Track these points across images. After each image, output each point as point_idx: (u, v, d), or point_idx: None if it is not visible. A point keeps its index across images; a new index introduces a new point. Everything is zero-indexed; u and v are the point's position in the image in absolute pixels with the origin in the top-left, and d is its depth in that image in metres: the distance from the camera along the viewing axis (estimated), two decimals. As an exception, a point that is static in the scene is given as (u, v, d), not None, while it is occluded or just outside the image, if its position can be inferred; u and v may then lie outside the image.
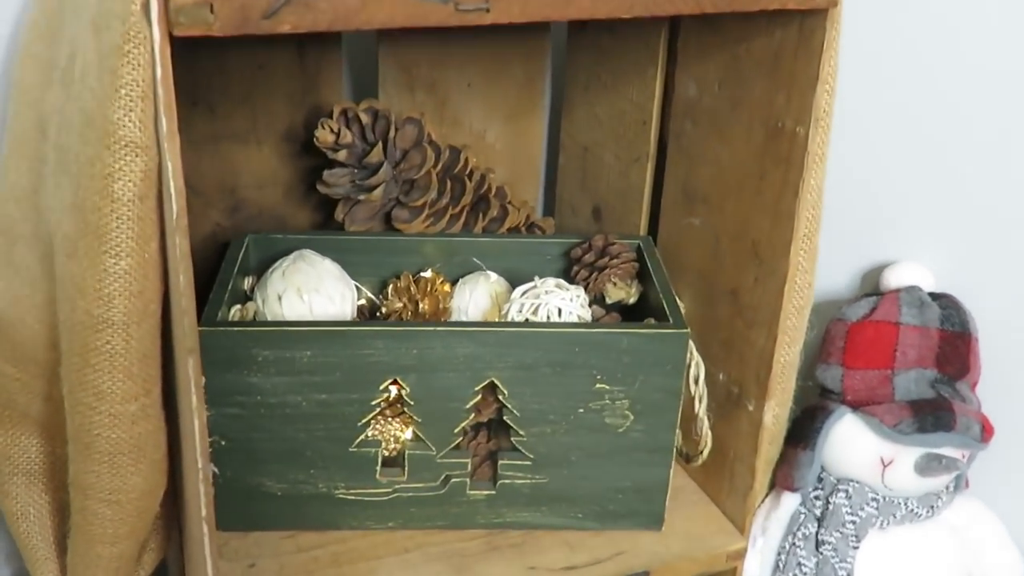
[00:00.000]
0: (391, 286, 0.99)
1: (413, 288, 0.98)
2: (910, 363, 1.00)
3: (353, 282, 0.97)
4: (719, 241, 0.95)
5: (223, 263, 0.95)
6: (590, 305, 0.97)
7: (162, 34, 0.60)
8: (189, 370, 0.70)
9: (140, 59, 0.61)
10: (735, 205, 0.91)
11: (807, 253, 0.88)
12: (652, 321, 0.92)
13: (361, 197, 0.99)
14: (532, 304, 0.90)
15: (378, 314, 0.98)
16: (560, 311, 0.90)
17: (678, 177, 0.99)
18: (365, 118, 0.98)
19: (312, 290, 0.91)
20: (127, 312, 0.69)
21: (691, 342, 0.90)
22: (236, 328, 0.85)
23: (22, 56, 0.84)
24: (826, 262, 1.06)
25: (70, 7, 0.76)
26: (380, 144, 0.98)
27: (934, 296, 1.03)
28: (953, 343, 1.01)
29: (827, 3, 0.76)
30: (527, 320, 0.90)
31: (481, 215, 1.05)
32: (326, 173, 0.99)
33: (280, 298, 0.91)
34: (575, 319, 0.91)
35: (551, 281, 0.92)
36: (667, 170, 1.01)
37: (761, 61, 0.84)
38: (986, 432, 0.97)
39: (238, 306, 0.91)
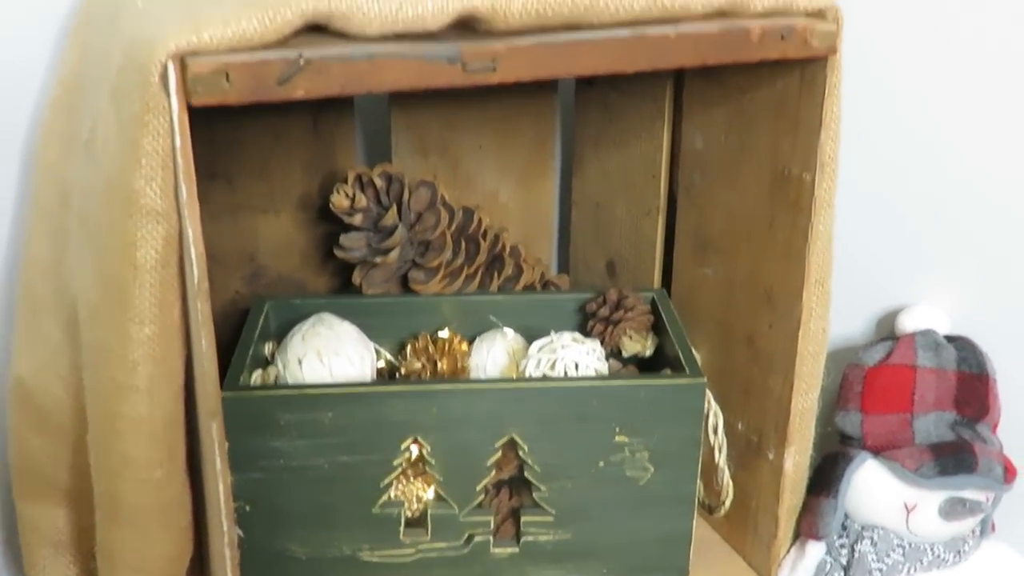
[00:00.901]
0: (409, 346, 1.00)
1: (431, 348, 0.99)
2: (929, 406, 1.00)
3: (372, 343, 0.98)
4: (732, 289, 0.96)
5: (243, 329, 0.96)
6: (607, 359, 0.97)
7: (180, 104, 0.62)
8: (213, 434, 0.71)
9: (160, 129, 0.63)
10: (746, 252, 0.92)
11: (820, 298, 0.89)
12: (669, 372, 0.93)
13: (377, 260, 1.01)
14: (549, 359, 0.91)
15: (397, 375, 0.99)
16: (577, 365, 0.91)
17: (689, 228, 1.00)
18: (379, 182, 1.00)
19: (332, 353, 0.92)
20: (151, 378, 0.70)
21: (708, 392, 0.91)
22: (258, 392, 0.86)
23: (44, 133, 0.87)
24: (841, 307, 1.06)
25: (90, 80, 0.78)
26: (395, 207, 0.99)
27: (950, 338, 1.04)
28: (971, 384, 1.01)
29: (827, 51, 0.78)
30: (545, 375, 0.91)
31: (496, 274, 1.06)
32: (343, 237, 1.01)
33: (300, 362, 0.92)
34: (592, 372, 0.92)
35: (567, 335, 0.93)
36: (678, 221, 1.02)
37: (765, 109, 0.86)
38: (1009, 473, 0.97)
39: (259, 371, 0.92)
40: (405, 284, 1.04)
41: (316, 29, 0.67)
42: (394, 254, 1.00)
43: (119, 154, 0.65)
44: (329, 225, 1.07)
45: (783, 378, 0.91)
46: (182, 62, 0.61)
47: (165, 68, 0.61)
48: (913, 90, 1.01)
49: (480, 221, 1.06)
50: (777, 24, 0.76)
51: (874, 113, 1.02)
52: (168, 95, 0.62)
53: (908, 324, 1.05)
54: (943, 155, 1.03)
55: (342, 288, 1.11)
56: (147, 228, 0.66)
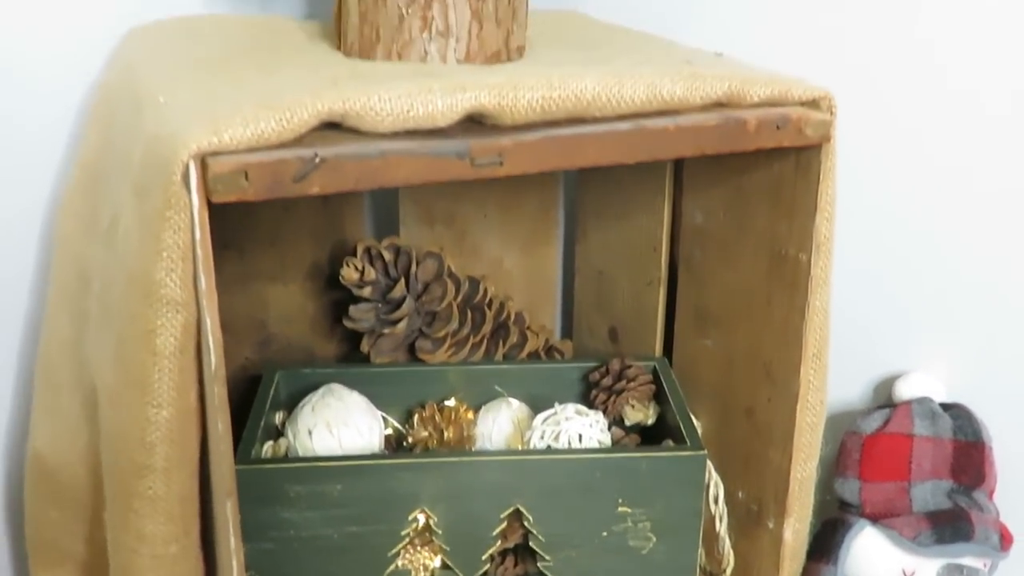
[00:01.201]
0: (417, 415, 1.02)
1: (438, 417, 1.01)
2: (926, 474, 1.02)
3: (380, 412, 1.01)
4: (732, 361, 0.98)
5: (255, 400, 0.98)
6: (610, 427, 0.99)
7: (201, 201, 0.65)
8: (228, 512, 0.73)
9: (180, 224, 0.65)
10: (746, 327, 0.95)
11: (817, 371, 0.91)
12: (670, 443, 0.95)
13: (386, 331, 1.03)
14: (553, 431, 0.93)
15: (405, 443, 1.01)
16: (581, 437, 0.93)
17: (689, 300, 1.03)
18: (387, 255, 1.03)
19: (341, 424, 0.94)
20: (168, 458, 0.72)
21: (709, 462, 0.93)
22: (270, 465, 0.88)
23: (63, 210, 0.90)
24: (840, 373, 1.09)
25: (111, 167, 0.81)
26: (403, 280, 1.02)
27: (946, 406, 1.06)
28: (967, 453, 1.03)
29: (820, 139, 0.80)
30: (549, 447, 0.93)
31: (501, 342, 1.09)
32: (352, 308, 1.03)
33: (311, 433, 0.94)
34: (595, 444, 0.94)
35: (571, 407, 0.95)
36: (679, 293, 1.04)
37: (762, 191, 0.89)
38: (1005, 540, 0.99)
39: (271, 442, 0.94)
40: (412, 352, 1.07)
41: (330, 125, 0.69)
42: (402, 325, 1.03)
43: (141, 246, 0.68)
44: (338, 293, 1.10)
45: (782, 449, 0.93)
46: (203, 162, 0.64)
47: (187, 167, 0.64)
48: (907, 169, 1.05)
49: (485, 291, 1.09)
50: (772, 114, 0.79)
51: (871, 189, 1.05)
52: (189, 193, 0.64)
53: (905, 392, 1.07)
54: (937, 229, 1.06)
55: (351, 354, 1.13)
56: (167, 317, 0.68)
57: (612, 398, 1.00)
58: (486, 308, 1.08)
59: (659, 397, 1.02)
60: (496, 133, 0.71)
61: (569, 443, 0.93)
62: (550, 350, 1.15)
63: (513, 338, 1.09)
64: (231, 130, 0.65)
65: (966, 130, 1.02)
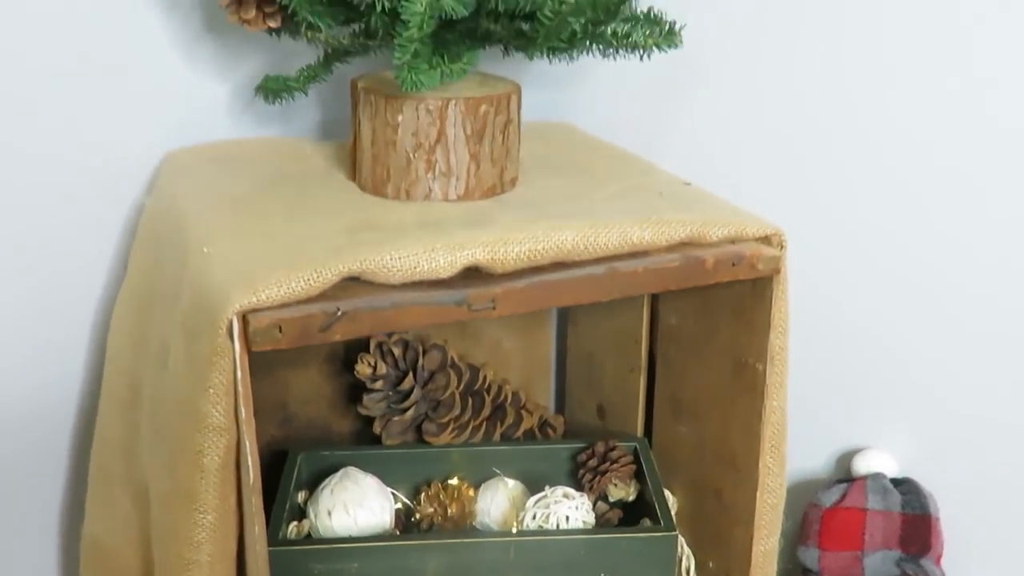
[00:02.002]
0: (423, 493, 1.15)
1: (442, 495, 1.14)
2: (877, 545, 1.15)
3: (390, 490, 1.13)
4: (703, 447, 1.10)
5: (280, 480, 1.11)
6: (595, 502, 1.12)
7: (242, 350, 0.78)
8: (262, 596, 0.85)
9: (225, 367, 0.78)
10: (714, 419, 1.07)
11: (775, 460, 1.04)
12: (647, 521, 1.07)
13: (396, 417, 1.16)
14: (544, 513, 1.06)
15: (413, 518, 1.14)
16: (568, 518, 1.06)
17: (666, 389, 1.16)
18: (397, 350, 1.16)
19: (357, 505, 1.07)
20: (211, 554, 0.85)
21: (681, 538, 1.06)
22: (297, 547, 1.01)
23: (115, 327, 1.03)
24: (805, 447, 1.23)
25: (159, 297, 0.94)
26: (411, 373, 1.15)
27: (897, 482, 1.19)
28: (914, 525, 1.16)
29: (771, 272, 0.93)
30: (540, 527, 1.06)
31: (499, 423, 1.22)
32: (365, 398, 1.16)
33: (330, 513, 1.07)
34: (580, 524, 1.07)
35: (559, 491, 1.08)
36: (656, 383, 1.17)
37: (725, 307, 1.01)
38: (949, 603, 1.12)
39: (295, 523, 1.07)
40: (419, 432, 1.19)
41: (350, 278, 0.82)
42: (410, 412, 1.16)
43: (190, 382, 0.81)
44: (352, 376, 1.22)
45: (745, 528, 1.06)
46: (244, 318, 0.77)
47: (231, 323, 0.77)
48: (862, 278, 1.18)
49: (484, 377, 1.21)
50: (728, 252, 0.91)
51: (832, 296, 1.19)
52: (233, 343, 0.77)
53: (861, 467, 1.20)
54: (888, 332, 1.19)
55: (363, 430, 1.26)
56: (212, 440, 0.81)
57: (597, 478, 1.13)
58: (485, 393, 1.21)
59: (640, 475, 1.15)
60: (489, 282, 0.84)
61: (557, 524, 1.06)
62: (544, 426, 1.27)
63: (510, 419, 1.22)
64: (267, 290, 0.78)
65: (912, 234, 1.15)
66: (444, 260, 0.82)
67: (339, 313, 0.79)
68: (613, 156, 1.14)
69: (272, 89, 1.07)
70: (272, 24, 0.94)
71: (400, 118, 0.96)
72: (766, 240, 0.94)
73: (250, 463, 0.82)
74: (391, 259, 0.82)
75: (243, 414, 0.81)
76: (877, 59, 1.15)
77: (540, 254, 0.85)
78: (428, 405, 1.18)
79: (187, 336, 0.83)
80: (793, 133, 1.19)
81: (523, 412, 1.25)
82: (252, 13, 0.93)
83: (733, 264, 0.91)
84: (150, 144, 1.14)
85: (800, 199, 1.20)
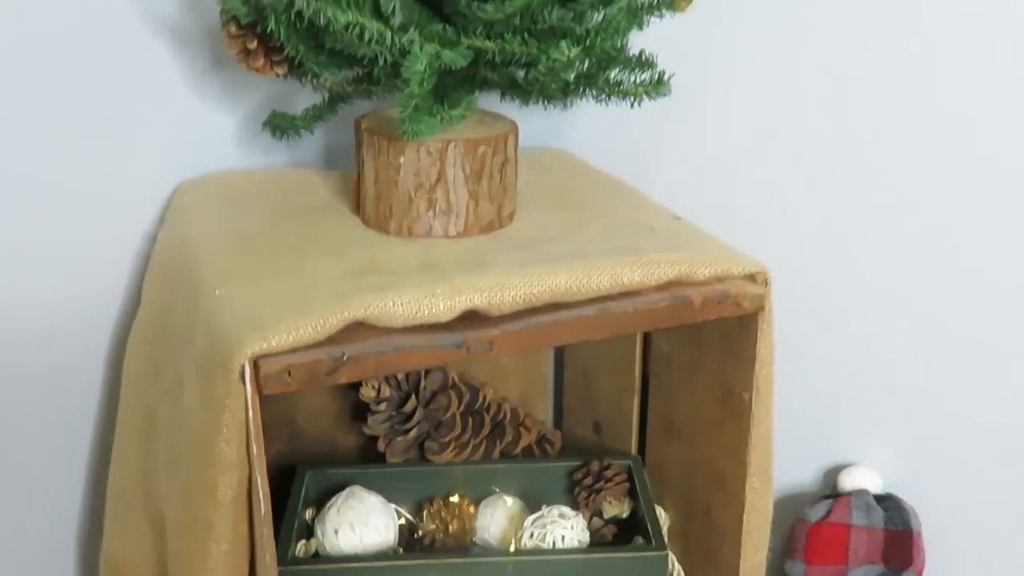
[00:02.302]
0: (425, 511, 1.20)
1: (444, 512, 1.19)
2: (861, 559, 1.20)
3: (393, 507, 1.18)
4: (693, 468, 1.15)
5: (289, 499, 1.16)
6: (591, 518, 1.17)
7: (253, 393, 0.82)
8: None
9: (237, 408, 0.83)
10: (703, 442, 1.12)
11: (762, 481, 1.09)
12: (639, 539, 1.12)
13: (399, 437, 1.21)
14: (540, 532, 1.11)
15: (416, 535, 1.19)
16: (564, 537, 1.11)
17: (659, 411, 1.20)
18: (400, 373, 1.20)
19: (362, 524, 1.12)
20: (225, 580, 0.90)
21: (671, 555, 1.11)
22: (305, 567, 1.06)
23: (130, 354, 1.08)
24: (794, 462, 1.28)
25: (172, 330, 0.99)
26: (414, 395, 1.20)
27: (880, 498, 1.24)
28: (897, 540, 1.21)
29: (756, 309, 0.98)
30: (537, 546, 1.11)
31: (498, 440, 1.27)
32: (370, 419, 1.21)
33: (336, 532, 1.12)
34: (576, 543, 1.12)
35: (555, 510, 1.13)
36: (649, 404, 1.22)
37: (713, 339, 1.06)
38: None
39: (303, 541, 1.12)
40: (422, 449, 1.24)
41: (355, 322, 0.87)
42: (413, 432, 1.21)
43: (204, 420, 0.86)
44: (356, 394, 1.27)
45: (733, 545, 1.10)
46: (255, 364, 0.82)
47: (243, 368, 0.82)
48: (846, 305, 1.23)
49: (484, 397, 1.26)
50: (715, 292, 0.96)
51: (828, 316, 1.23)
52: (245, 386, 0.82)
53: (846, 483, 1.25)
54: (877, 353, 1.24)
55: (367, 445, 1.31)
56: (225, 475, 0.86)
57: (592, 496, 1.18)
58: (484, 412, 1.26)
59: (633, 492, 1.20)
60: (487, 324, 0.89)
61: (553, 543, 1.11)
62: (541, 441, 1.32)
63: (508, 436, 1.27)
64: (277, 336, 0.82)
65: (896, 258, 1.20)
66: (444, 305, 0.87)
67: (345, 358, 0.84)
68: (607, 187, 1.18)
69: (279, 126, 1.11)
70: (280, 71, 0.99)
71: (402, 159, 1.00)
72: (751, 278, 0.98)
73: (261, 496, 0.86)
74: (393, 305, 0.86)
75: (255, 451, 0.85)
76: (870, 91, 1.19)
77: (535, 297, 0.90)
78: (430, 424, 1.23)
79: (201, 377, 0.87)
80: (783, 158, 1.23)
81: (521, 429, 1.30)
82: (260, 62, 0.97)
83: (719, 303, 0.96)
84: (162, 174, 1.19)
85: (789, 222, 1.25)
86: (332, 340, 0.85)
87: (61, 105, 1.12)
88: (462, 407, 1.24)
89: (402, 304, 0.86)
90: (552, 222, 1.06)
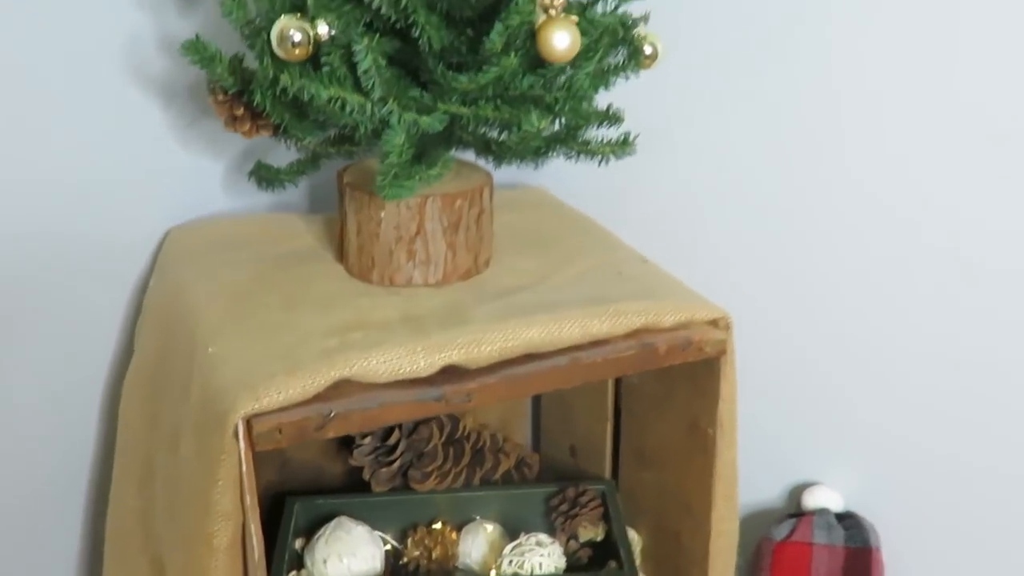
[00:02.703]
0: (410, 538, 1.26)
1: (427, 539, 1.25)
2: (823, 576, 1.27)
3: (379, 535, 1.24)
4: (663, 494, 1.22)
5: (279, 530, 1.22)
6: (567, 542, 1.23)
7: (247, 450, 0.88)
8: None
9: (231, 463, 0.89)
10: (672, 471, 1.19)
11: (728, 508, 1.15)
12: (612, 565, 1.19)
13: (383, 469, 1.27)
14: (519, 560, 1.17)
15: (401, 561, 1.25)
16: (540, 564, 1.17)
17: (630, 440, 1.27)
18: (384, 407, 1.26)
19: (350, 554, 1.18)
20: (222, 618, 0.96)
21: (644, 578, 1.17)
22: (295, 599, 1.12)
23: (127, 400, 1.13)
24: (762, 481, 1.35)
25: (168, 379, 1.05)
26: (397, 428, 1.25)
27: (841, 516, 1.30)
28: (857, 557, 1.28)
29: (718, 353, 1.04)
30: (516, 573, 1.17)
31: (479, 467, 1.32)
32: (355, 451, 1.27)
33: (325, 562, 1.18)
34: (552, 569, 1.18)
35: (533, 539, 1.19)
36: (622, 433, 1.28)
37: (681, 377, 1.12)
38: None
39: (294, 572, 1.18)
40: (405, 478, 1.30)
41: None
42: (397, 463, 1.27)
43: (200, 474, 0.91)
44: (343, 424, 1.33)
45: (700, 568, 1.17)
46: (248, 423, 0.88)
47: (236, 427, 0.87)
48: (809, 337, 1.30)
49: (464, 427, 1.32)
50: (679, 339, 1.02)
51: (795, 343, 1.30)
52: (238, 443, 0.88)
53: (809, 502, 1.32)
54: (836, 381, 1.30)
55: (354, 471, 1.36)
56: (220, 524, 0.92)
57: (568, 521, 1.24)
58: (465, 441, 1.31)
59: (607, 516, 1.26)
60: (465, 377, 0.95)
61: (531, 570, 1.17)
62: (520, 465, 1.38)
63: (488, 463, 1.33)
64: (268, 396, 0.88)
65: (854, 289, 1.27)
66: (425, 362, 0.93)
67: (332, 415, 0.89)
68: (578, 227, 1.24)
69: (264, 177, 1.16)
70: (265, 134, 1.04)
71: (383, 214, 1.06)
72: (714, 323, 1.05)
73: (255, 543, 0.92)
74: (377, 362, 0.92)
75: (248, 502, 0.91)
76: (831, 137, 1.25)
77: (510, 350, 0.96)
78: (413, 455, 1.29)
79: (197, 432, 0.93)
80: (747, 197, 1.29)
81: (500, 455, 1.36)
82: (247, 126, 1.02)
83: (683, 349, 1.02)
84: (153, 220, 1.24)
85: (755, 255, 1.31)
86: (320, 398, 0.91)
87: (54, 152, 1.16)
88: (443, 437, 1.29)
89: (385, 362, 0.92)
90: (525, 268, 1.12)
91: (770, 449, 1.36)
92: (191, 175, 1.26)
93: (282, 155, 1.17)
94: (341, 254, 1.13)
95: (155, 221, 1.25)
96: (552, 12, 0.92)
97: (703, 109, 1.29)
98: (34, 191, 1.17)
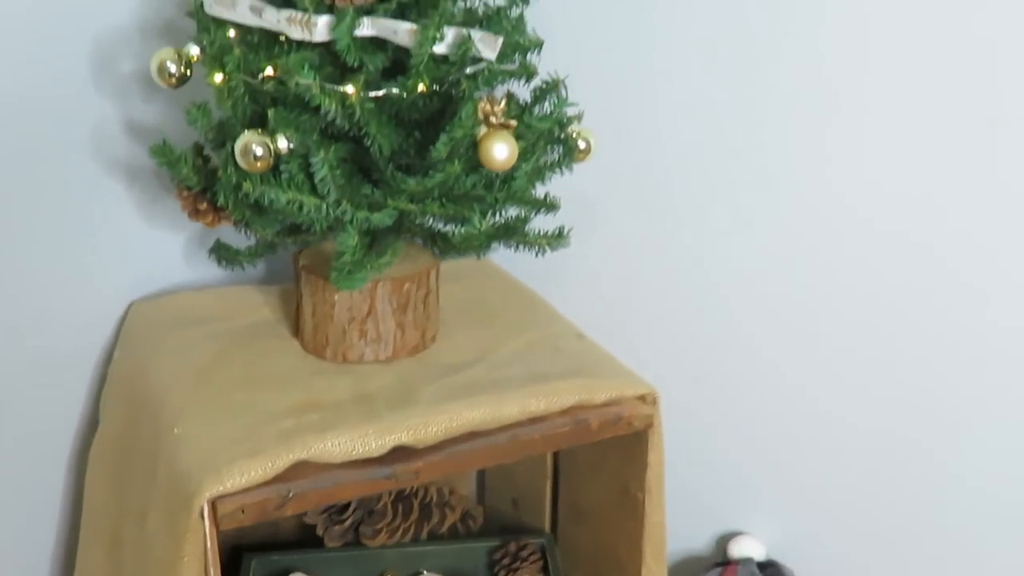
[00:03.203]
0: (362, 593, 1.34)
1: (378, 593, 1.33)
2: (746, 624, 1.36)
3: (333, 590, 1.32)
4: (598, 550, 1.31)
5: (236, 587, 1.29)
6: (510, 594, 1.32)
7: (211, 529, 0.96)
8: None
9: (196, 540, 0.96)
10: (605, 529, 1.28)
11: (657, 564, 1.24)
12: (552, 617, 1.28)
13: (336, 527, 1.35)
14: (464, 614, 1.26)
15: (353, 614, 1.33)
16: (484, 618, 1.26)
17: (567, 498, 1.36)
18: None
19: (305, 610, 1.26)
20: None
21: (580, 630, 1.26)
22: (253, 655, 1.20)
23: (93, 470, 1.20)
24: (689, 530, 1.44)
25: (135, 456, 1.12)
26: (348, 488, 1.33)
27: (764, 565, 1.40)
28: (777, 603, 1.38)
29: (646, 427, 1.13)
30: (461, 626, 1.26)
31: (426, 521, 1.41)
32: (309, 511, 1.35)
33: (282, 617, 1.26)
34: (496, 623, 1.27)
35: (478, 596, 1.28)
36: (560, 490, 1.37)
37: (612, 444, 1.21)
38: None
39: (252, 628, 1.26)
40: (357, 533, 1.38)
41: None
42: (348, 520, 1.35)
43: (167, 549, 0.99)
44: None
45: (633, 621, 1.26)
46: (213, 505, 0.95)
47: (202, 509, 0.95)
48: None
49: (413, 484, 1.40)
50: (610, 414, 1.11)
51: (722, 403, 1.40)
52: (204, 523, 0.95)
53: (734, 551, 1.42)
54: (760, 448, 1.41)
55: (307, 527, 1.44)
56: (187, 597, 0.99)
57: (510, 574, 1.33)
58: (413, 498, 1.40)
59: (546, 569, 1.35)
60: (412, 456, 1.03)
61: (476, 624, 1.26)
62: (465, 518, 1.47)
63: (435, 518, 1.41)
64: (232, 479, 0.96)
65: (780, 346, 1.37)
66: (376, 443, 1.01)
67: (291, 495, 0.97)
68: (520, 300, 1.33)
69: (224, 257, 1.24)
70: (226, 224, 1.12)
71: (336, 297, 1.14)
72: (642, 399, 1.14)
73: (219, 612, 1.00)
74: (332, 445, 1.00)
75: (212, 575, 0.99)
76: (757, 229, 1.35)
77: (455, 430, 1.04)
78: (364, 512, 1.37)
79: (164, 510, 1.01)
80: (675, 274, 1.39)
81: (447, 509, 1.44)
82: (209, 218, 1.10)
83: (614, 424, 1.11)
84: (117, 291, 1.32)
85: (681, 319, 1.41)
86: (280, 478, 0.99)
87: (20, 226, 1.23)
88: (393, 495, 1.38)
89: (340, 444, 1.00)
90: (469, 344, 1.21)
91: (698, 501, 1.46)
92: (154, 248, 1.33)
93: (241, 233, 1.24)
94: (297, 329, 1.21)
95: (119, 291, 1.32)
96: (493, 120, 1.01)
97: (641, 188, 1.38)
98: (1, 261, 1.23)
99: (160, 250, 1.34)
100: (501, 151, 0.99)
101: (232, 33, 1.06)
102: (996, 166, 1.23)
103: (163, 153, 1.05)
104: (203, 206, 1.08)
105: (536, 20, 1.13)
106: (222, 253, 1.24)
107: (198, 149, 1.11)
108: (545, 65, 1.12)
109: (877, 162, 1.27)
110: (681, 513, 1.30)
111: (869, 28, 1.23)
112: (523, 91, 1.12)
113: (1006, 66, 1.19)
